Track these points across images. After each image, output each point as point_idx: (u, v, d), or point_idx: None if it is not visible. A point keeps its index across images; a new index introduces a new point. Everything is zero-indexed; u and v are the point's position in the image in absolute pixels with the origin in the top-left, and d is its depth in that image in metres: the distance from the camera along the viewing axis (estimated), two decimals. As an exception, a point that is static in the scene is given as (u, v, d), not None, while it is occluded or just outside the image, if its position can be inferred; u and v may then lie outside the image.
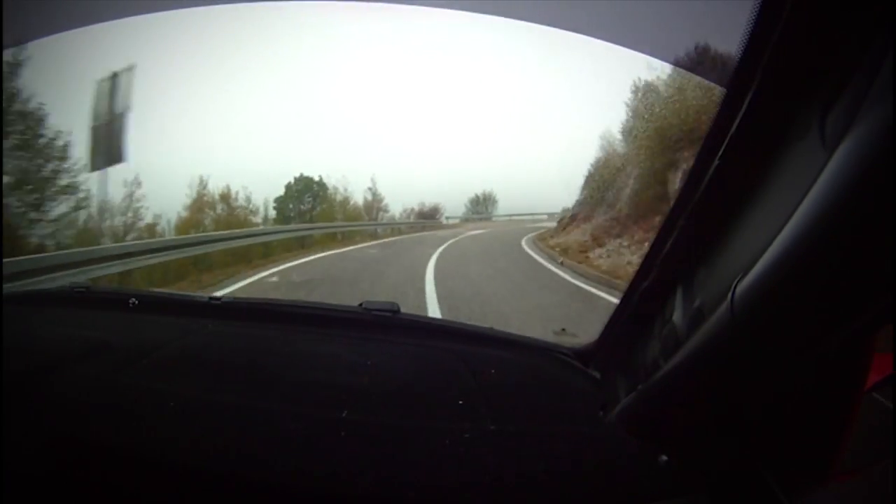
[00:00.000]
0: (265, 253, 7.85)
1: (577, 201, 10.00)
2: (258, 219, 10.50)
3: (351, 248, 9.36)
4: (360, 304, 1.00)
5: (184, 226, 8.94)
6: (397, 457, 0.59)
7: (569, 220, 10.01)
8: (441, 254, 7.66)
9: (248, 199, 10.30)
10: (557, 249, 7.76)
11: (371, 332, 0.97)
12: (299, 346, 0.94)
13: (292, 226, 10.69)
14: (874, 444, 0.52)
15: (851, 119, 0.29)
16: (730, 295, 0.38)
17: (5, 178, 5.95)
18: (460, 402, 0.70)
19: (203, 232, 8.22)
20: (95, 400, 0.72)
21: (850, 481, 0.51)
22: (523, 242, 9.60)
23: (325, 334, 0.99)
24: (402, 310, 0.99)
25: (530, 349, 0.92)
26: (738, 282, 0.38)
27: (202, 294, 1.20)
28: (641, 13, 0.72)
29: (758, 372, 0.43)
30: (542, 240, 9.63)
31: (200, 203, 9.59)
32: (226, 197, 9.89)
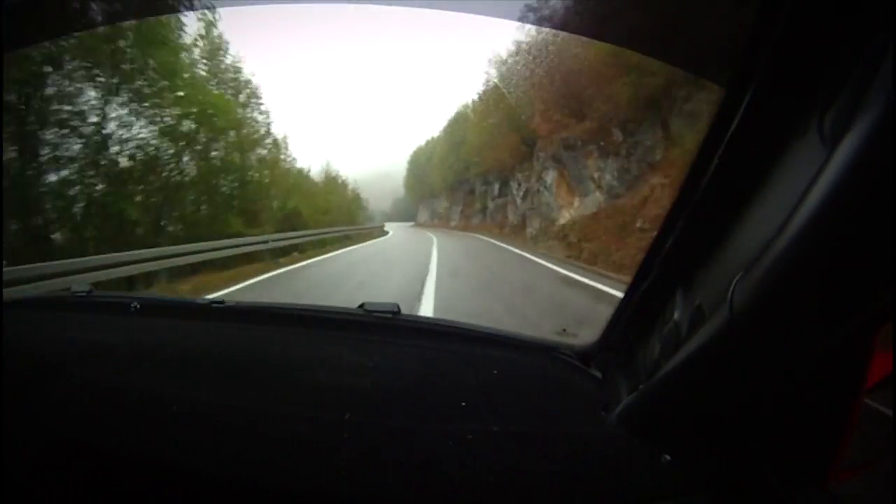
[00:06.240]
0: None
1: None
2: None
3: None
4: (361, 305, 1.01)
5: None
6: (400, 459, 0.59)
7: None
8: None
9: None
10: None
11: (372, 333, 0.97)
12: (301, 349, 0.94)
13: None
14: (874, 444, 0.52)
15: (851, 118, 0.29)
16: (729, 294, 0.38)
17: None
18: (463, 404, 0.70)
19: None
20: (97, 403, 0.72)
21: (850, 481, 0.51)
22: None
23: (327, 336, 0.99)
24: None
25: (532, 350, 0.92)
26: (737, 281, 0.38)
27: (203, 297, 1.20)
28: (640, 12, 0.72)
29: (758, 371, 0.43)
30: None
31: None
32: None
